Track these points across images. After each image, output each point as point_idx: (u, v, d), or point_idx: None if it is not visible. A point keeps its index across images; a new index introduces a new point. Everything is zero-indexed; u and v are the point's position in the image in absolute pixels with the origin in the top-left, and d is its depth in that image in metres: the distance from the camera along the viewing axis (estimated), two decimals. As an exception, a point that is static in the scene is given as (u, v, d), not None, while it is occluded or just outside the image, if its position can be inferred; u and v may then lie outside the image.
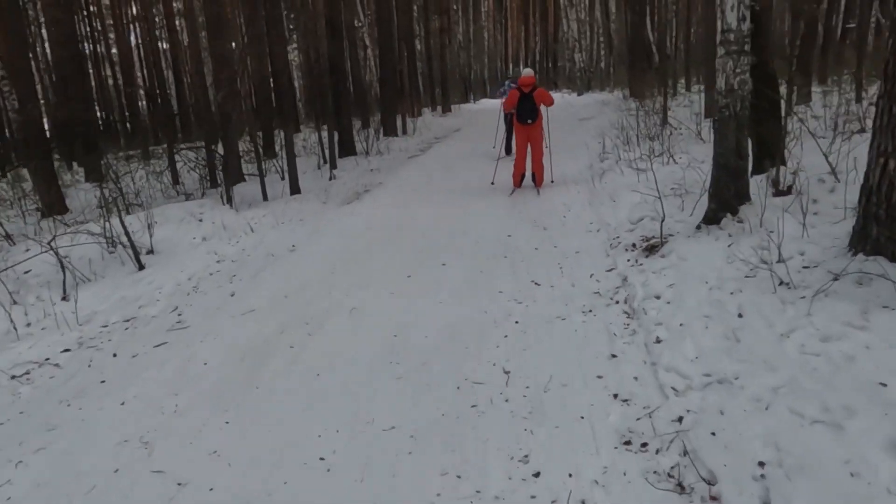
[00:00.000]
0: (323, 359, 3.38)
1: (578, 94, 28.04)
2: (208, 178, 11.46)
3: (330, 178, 9.88)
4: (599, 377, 2.90)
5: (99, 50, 24.44)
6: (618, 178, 7.12)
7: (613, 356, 3.09)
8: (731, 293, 3.23)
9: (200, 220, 7.11)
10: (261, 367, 3.32)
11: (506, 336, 3.50)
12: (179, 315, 4.28)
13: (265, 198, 8.87)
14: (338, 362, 3.33)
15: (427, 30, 23.47)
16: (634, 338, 3.22)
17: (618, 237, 5.06)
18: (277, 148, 14.86)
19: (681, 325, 3.10)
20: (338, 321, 3.91)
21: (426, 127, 16.88)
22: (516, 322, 3.69)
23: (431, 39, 22.63)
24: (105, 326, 4.24)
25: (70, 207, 9.44)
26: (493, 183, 7.97)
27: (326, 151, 11.09)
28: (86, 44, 24.49)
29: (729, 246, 3.93)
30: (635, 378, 2.82)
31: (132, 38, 23.20)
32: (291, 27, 19.46)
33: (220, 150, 9.60)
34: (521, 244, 5.29)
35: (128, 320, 4.33)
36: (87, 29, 23.89)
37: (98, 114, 20.28)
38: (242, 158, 12.94)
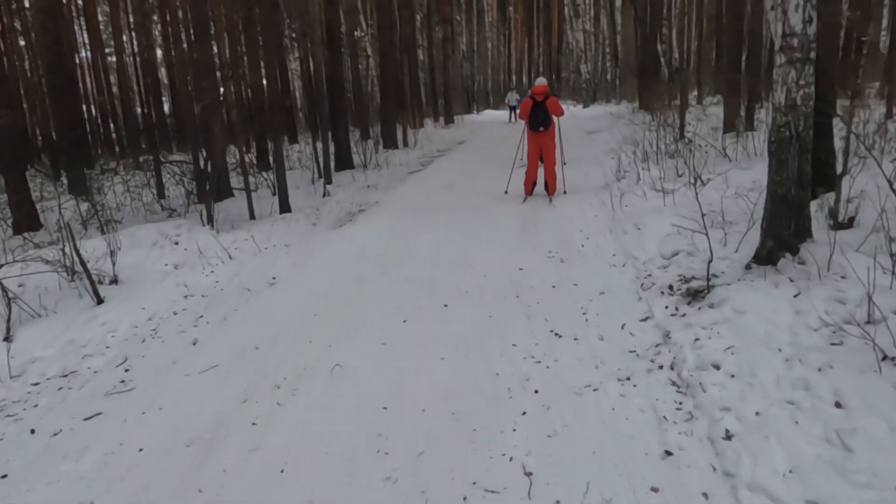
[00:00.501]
0: (291, 444, 2.65)
1: (584, 106, 27.45)
2: (195, 192, 10.79)
3: (324, 195, 9.18)
4: (654, 490, 2.16)
5: (97, 59, 23.91)
6: (639, 202, 6.40)
7: (668, 453, 2.35)
8: (819, 369, 2.50)
9: (176, 244, 6.40)
10: (210, 458, 2.58)
11: (524, 413, 2.77)
12: (126, 371, 3.55)
13: (252, 216, 8.17)
14: (310, 450, 2.59)
15: (430, 40, 22.93)
16: (693, 426, 2.48)
17: (649, 275, 4.33)
18: (272, 160, 14.26)
19: (757, 413, 2.37)
20: (315, 386, 3.18)
21: (428, 139, 16.22)
22: (536, 392, 2.95)
23: (434, 49, 22.10)
24: (36, 384, 3.51)
25: (47, 223, 8.76)
26: (506, 192, 7.82)
27: (322, 165, 10.42)
28: (84, 52, 24.06)
29: (796, 296, 3.20)
30: (705, 496, 2.08)
31: (128, 45, 22.66)
32: (292, 34, 18.90)
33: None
34: (535, 281, 4.56)
35: (66, 375, 3.60)
36: (85, 37, 23.39)
37: (89, 123, 19.67)
38: (235, 170, 12.30)
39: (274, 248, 5.99)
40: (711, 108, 15.20)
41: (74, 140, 11.55)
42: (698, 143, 9.05)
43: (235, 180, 11.21)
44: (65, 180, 12.98)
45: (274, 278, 5.02)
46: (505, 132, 17.34)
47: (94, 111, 22.50)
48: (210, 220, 7.13)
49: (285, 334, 3.84)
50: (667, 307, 3.70)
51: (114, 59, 23.51)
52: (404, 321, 3.97)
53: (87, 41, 22.81)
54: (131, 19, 21.28)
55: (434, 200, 7.75)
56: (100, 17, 23.80)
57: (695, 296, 3.67)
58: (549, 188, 7.49)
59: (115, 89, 24.10)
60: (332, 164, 11.83)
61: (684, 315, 3.50)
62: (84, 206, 9.20)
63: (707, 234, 4.03)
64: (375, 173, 10.66)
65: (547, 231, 5.99)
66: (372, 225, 6.61)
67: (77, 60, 20.07)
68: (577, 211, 6.73)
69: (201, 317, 4.30)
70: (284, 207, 8.25)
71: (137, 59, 20.40)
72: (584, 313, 3.87)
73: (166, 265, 5.77)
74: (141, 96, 20.86)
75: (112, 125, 21.73)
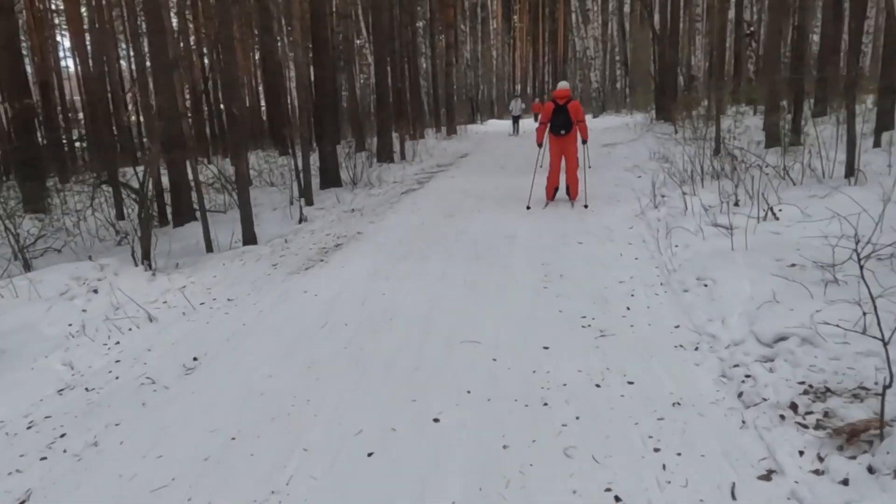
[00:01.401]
0: None
1: (594, 116, 26.05)
2: (156, 213, 9.37)
3: (300, 221, 7.74)
4: None
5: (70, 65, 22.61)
6: (694, 241, 4.93)
7: None
8: None
9: (95, 291, 4.95)
10: None
11: None
12: None
13: (209, 248, 6.73)
14: None
15: (432, 47, 21.61)
16: None
17: (748, 375, 2.83)
18: (254, 174, 12.84)
19: None
20: None
21: (428, 152, 14.80)
22: None
23: (437, 57, 20.76)
24: None
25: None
26: (529, 207, 7.24)
27: (301, 183, 8.99)
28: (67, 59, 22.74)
29: None
30: None
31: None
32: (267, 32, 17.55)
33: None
34: (567, 372, 3.09)
35: None
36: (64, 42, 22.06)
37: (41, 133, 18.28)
38: (212, 186, 10.90)
39: (213, 304, 4.53)
40: (744, 119, 13.73)
41: (28, 150, 10.16)
42: (745, 160, 7.57)
43: (211, 199, 9.82)
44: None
45: (195, 360, 3.55)
46: (512, 145, 15.92)
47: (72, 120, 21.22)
48: (146, 256, 5.69)
49: (169, 495, 2.36)
50: (802, 453, 2.21)
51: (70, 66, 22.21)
52: (370, 455, 2.50)
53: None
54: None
55: (429, 232, 6.29)
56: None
57: (851, 439, 2.18)
58: (571, 193, 7.33)
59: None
60: (318, 180, 10.43)
61: (846, 483, 2.01)
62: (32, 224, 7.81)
63: (885, 343, 2.52)
64: (365, 193, 9.23)
65: (576, 281, 4.51)
66: (347, 269, 5.14)
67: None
68: (612, 250, 5.25)
69: (62, 436, 2.82)
70: (249, 237, 6.81)
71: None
72: (655, 450, 2.39)
73: (70, 325, 4.32)
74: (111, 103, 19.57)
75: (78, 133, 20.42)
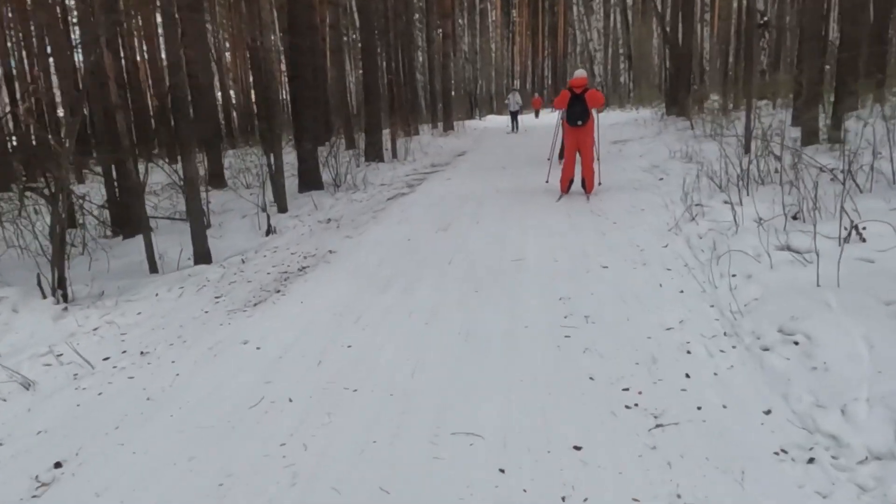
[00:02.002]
0: None
1: (598, 111, 24.87)
2: (108, 224, 8.24)
3: (267, 233, 6.59)
4: None
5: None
6: (758, 270, 3.78)
7: None
8: None
9: (-19, 336, 3.81)
10: None
11: None
12: None
13: (153, 268, 5.60)
14: None
15: (429, 39, 20.39)
16: None
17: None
18: (231, 175, 11.66)
19: None
20: None
21: (422, 150, 13.64)
22: None
23: (434, 51, 19.55)
24: None
25: None
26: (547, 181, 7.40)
27: (274, 187, 7.83)
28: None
29: None
30: None
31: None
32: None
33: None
34: (619, 506, 1.96)
35: None
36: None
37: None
38: (179, 190, 9.73)
39: (120, 360, 3.37)
40: (761, 113, 12.57)
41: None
42: (796, 161, 6.41)
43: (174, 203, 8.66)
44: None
45: (58, 466, 2.40)
46: (513, 143, 14.76)
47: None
48: (60, 285, 4.53)
49: None
50: None
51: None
52: None
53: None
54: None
55: (417, 252, 5.13)
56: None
57: None
58: (587, 185, 7.06)
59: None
60: (296, 183, 9.27)
61: None
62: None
63: None
64: (346, 198, 8.06)
65: (607, 326, 3.38)
66: (308, 307, 3.99)
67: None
68: (647, 278, 4.11)
69: None
70: (201, 255, 5.67)
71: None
72: None
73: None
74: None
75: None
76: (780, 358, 2.78)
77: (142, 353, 3.42)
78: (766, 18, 17.91)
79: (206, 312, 4.01)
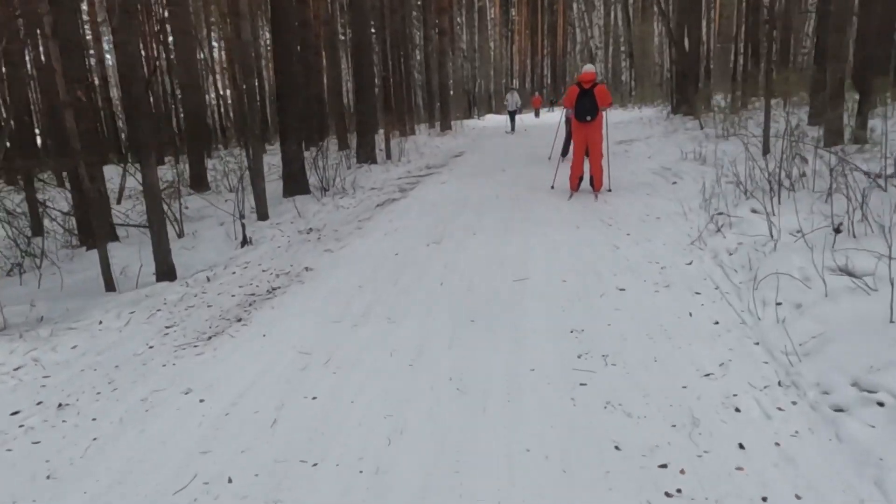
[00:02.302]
0: None
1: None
2: (74, 232, 7.61)
3: (242, 244, 5.97)
4: None
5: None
6: (809, 297, 3.15)
7: None
8: None
9: None
10: None
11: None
12: None
13: (109, 285, 4.98)
14: None
15: (426, 36, 19.75)
16: None
17: None
18: (214, 177, 11.02)
19: None
20: None
21: (418, 151, 13.00)
22: None
23: (430, 46, 18.90)
24: None
25: None
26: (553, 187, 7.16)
27: (254, 193, 7.20)
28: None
29: None
30: None
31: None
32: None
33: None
34: None
35: None
36: None
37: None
38: (166, 192, 9.08)
39: (28, 416, 2.73)
40: (780, 112, 11.94)
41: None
42: (833, 164, 5.77)
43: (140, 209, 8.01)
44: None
45: None
46: (513, 143, 14.12)
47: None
48: (-11, 312, 3.90)
49: None
50: None
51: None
52: None
53: None
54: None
55: (404, 271, 4.49)
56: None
57: None
58: (595, 183, 6.92)
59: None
60: (284, 186, 8.65)
61: None
62: None
63: None
64: (333, 204, 7.43)
65: (630, 369, 2.75)
66: (270, 342, 3.34)
67: None
68: (673, 305, 3.48)
69: None
70: (164, 270, 5.04)
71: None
72: None
73: None
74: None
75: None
76: (861, 425, 2.15)
77: (60, 405, 2.79)
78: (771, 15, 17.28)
79: (151, 348, 3.37)
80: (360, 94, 10.81)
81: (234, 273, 4.82)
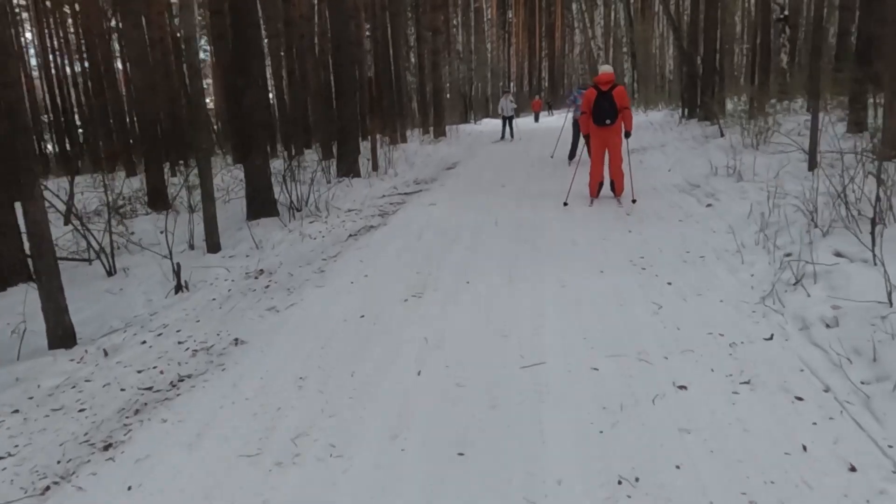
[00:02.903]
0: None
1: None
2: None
3: (176, 290, 4.72)
4: None
5: None
6: None
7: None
8: None
9: None
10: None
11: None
12: None
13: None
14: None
15: (419, 37, 18.53)
16: None
17: None
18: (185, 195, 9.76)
19: None
20: None
21: (407, 160, 11.77)
22: None
23: (423, 45, 17.66)
24: None
25: None
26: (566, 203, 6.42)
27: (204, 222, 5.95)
28: None
29: None
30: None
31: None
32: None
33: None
34: None
35: None
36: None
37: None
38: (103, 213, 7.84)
39: None
40: (786, 118, 10.73)
41: None
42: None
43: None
44: None
45: None
46: (511, 152, 12.88)
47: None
48: None
49: None
50: None
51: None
52: None
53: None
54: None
55: (364, 349, 3.22)
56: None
57: None
58: (616, 188, 6.67)
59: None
60: (244, 208, 7.42)
61: None
62: None
63: None
64: (299, 231, 6.18)
65: None
66: (169, 474, 2.12)
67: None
68: (772, 423, 2.24)
69: None
70: (57, 337, 3.80)
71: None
72: None
73: None
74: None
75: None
76: None
77: None
78: (786, 13, 16.14)
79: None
80: (341, 98, 9.58)
81: (143, 342, 3.57)
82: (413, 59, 21.41)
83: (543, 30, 44.68)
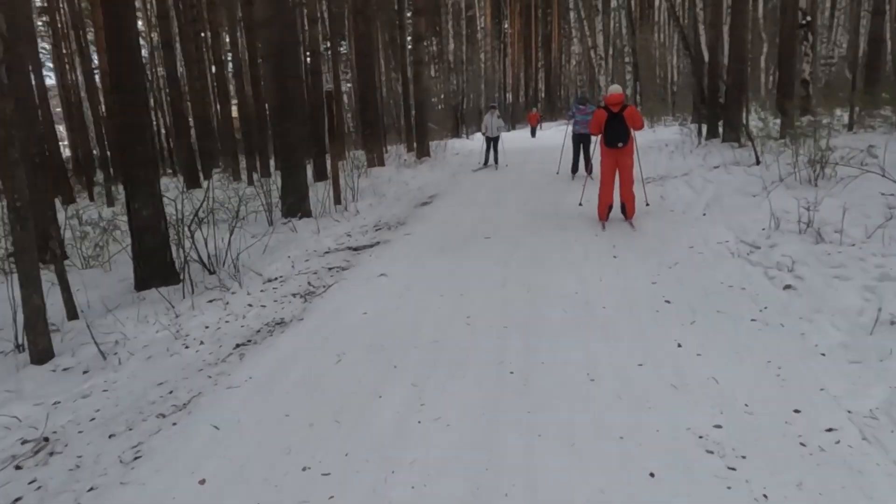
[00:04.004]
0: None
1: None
2: None
3: None
4: None
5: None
6: None
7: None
8: None
9: None
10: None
11: None
12: None
13: None
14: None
15: (402, 45, 16.64)
16: None
17: None
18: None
19: None
20: None
21: (376, 192, 9.78)
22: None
23: (405, 54, 15.71)
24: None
25: None
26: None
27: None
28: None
29: None
30: None
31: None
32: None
33: None
34: None
35: None
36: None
37: None
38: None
39: None
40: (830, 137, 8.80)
41: None
42: None
43: None
44: None
45: None
46: (501, 183, 10.84)
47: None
48: None
49: None
50: None
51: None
52: None
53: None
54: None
55: None
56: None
57: None
58: (627, 211, 6.38)
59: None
60: (134, 273, 5.42)
61: None
62: None
63: None
64: (182, 321, 4.16)
65: None
66: None
67: None
68: None
69: None
70: None
71: None
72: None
73: None
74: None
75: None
76: None
77: None
78: (808, 18, 14.27)
79: None
80: (282, 115, 7.57)
81: None
82: (395, 73, 19.49)
83: (540, 40, 43.08)
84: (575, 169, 9.78)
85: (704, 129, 12.74)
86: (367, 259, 5.58)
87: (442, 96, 33.22)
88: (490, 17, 36.01)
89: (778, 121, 13.06)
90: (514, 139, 21.24)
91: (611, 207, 6.36)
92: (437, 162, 14.09)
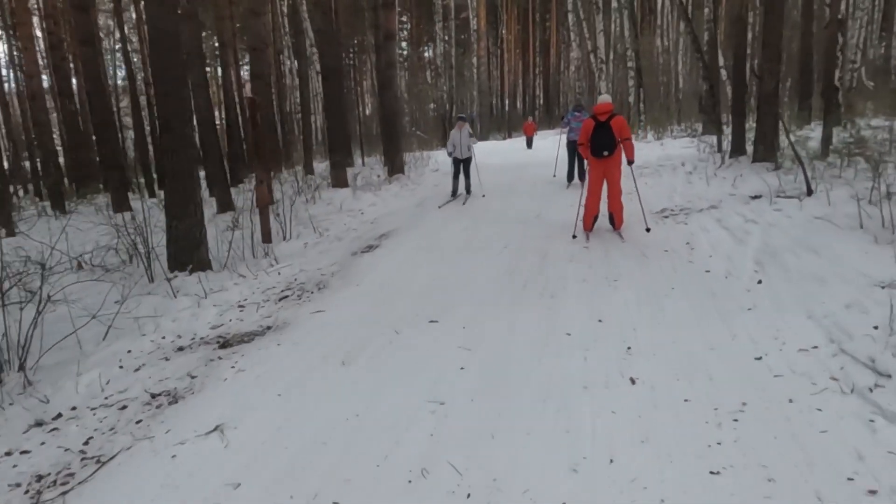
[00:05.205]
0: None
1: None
2: None
3: None
4: None
5: None
6: None
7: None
8: None
9: None
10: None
11: None
12: None
13: None
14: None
15: (377, 46, 14.61)
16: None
17: None
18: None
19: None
20: None
21: (319, 227, 7.67)
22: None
23: (381, 59, 13.64)
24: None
25: None
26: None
27: None
28: None
29: None
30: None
31: None
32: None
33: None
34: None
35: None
36: None
37: None
38: None
39: None
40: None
41: None
42: None
43: None
44: None
45: None
46: (475, 216, 8.67)
47: None
48: None
49: None
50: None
51: None
52: None
53: None
54: None
55: None
56: None
57: None
58: (616, 221, 6.35)
59: None
60: None
61: None
62: None
63: None
64: None
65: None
66: None
67: None
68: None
69: None
70: None
71: None
72: None
73: None
74: None
75: None
76: None
77: None
78: (840, 16, 12.21)
79: None
80: (167, 127, 5.46)
81: None
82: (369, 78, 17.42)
83: (538, 45, 41.22)
84: (571, 177, 9.61)
85: (725, 142, 10.66)
86: (224, 374, 3.43)
87: (432, 105, 31.27)
88: (485, 20, 34.08)
89: (812, 134, 11.05)
90: (507, 151, 19.12)
91: (596, 218, 6.33)
92: (409, 181, 11.98)
